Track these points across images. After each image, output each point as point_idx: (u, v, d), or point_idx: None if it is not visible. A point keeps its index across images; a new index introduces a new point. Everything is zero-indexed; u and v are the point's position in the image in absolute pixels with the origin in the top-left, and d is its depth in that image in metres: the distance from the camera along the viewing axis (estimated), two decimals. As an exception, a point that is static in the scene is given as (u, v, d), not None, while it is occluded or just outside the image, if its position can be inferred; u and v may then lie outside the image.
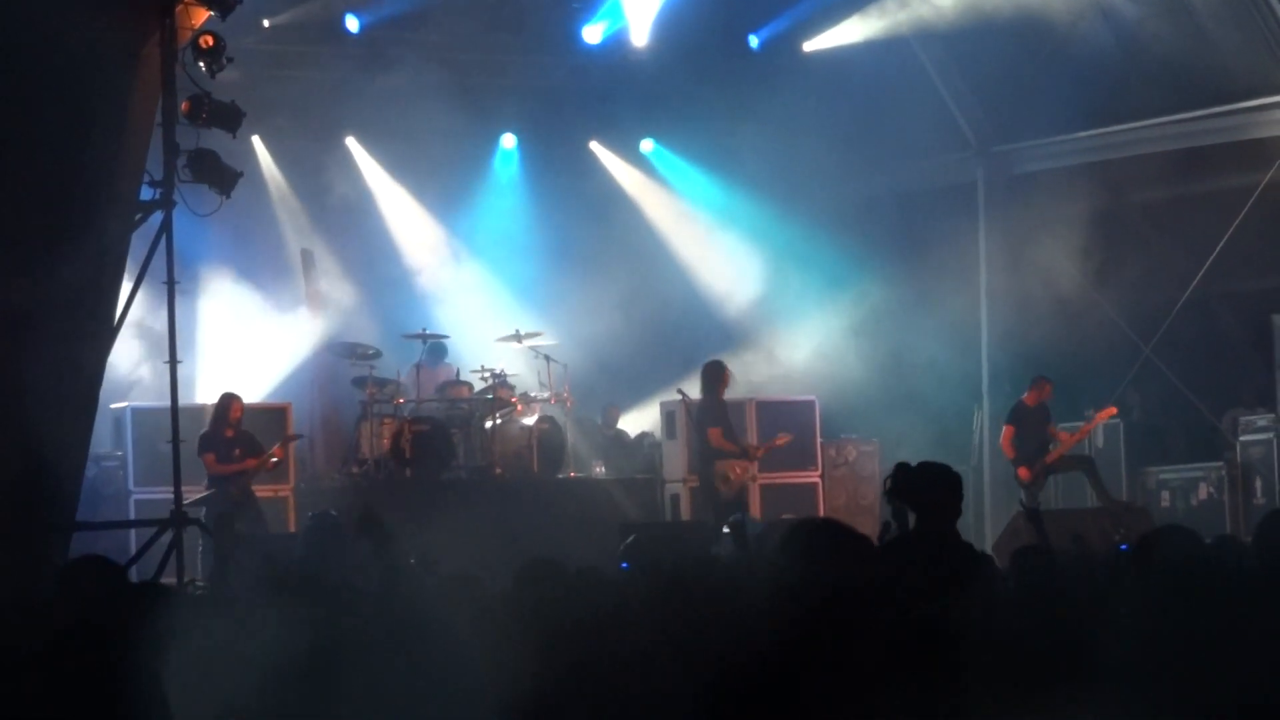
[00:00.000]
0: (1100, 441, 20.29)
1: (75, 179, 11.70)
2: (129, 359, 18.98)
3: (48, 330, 11.49)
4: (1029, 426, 18.60)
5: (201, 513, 16.04)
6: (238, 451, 17.22)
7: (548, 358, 20.19)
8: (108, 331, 12.58)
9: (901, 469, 7.48)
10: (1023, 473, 18.42)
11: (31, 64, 11.22)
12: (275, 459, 17.52)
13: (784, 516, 17.70)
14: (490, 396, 19.36)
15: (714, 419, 17.73)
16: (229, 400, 17.45)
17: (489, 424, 19.19)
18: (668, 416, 19.74)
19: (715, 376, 17.85)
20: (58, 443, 11.69)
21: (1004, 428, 18.81)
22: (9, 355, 11.41)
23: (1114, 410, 19.42)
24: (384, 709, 5.03)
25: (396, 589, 5.93)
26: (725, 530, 14.72)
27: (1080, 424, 19.32)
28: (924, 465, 7.52)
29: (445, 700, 4.55)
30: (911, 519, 7.46)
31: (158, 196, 13.08)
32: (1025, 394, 18.88)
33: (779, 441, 18.31)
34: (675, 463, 19.51)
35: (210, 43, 13.50)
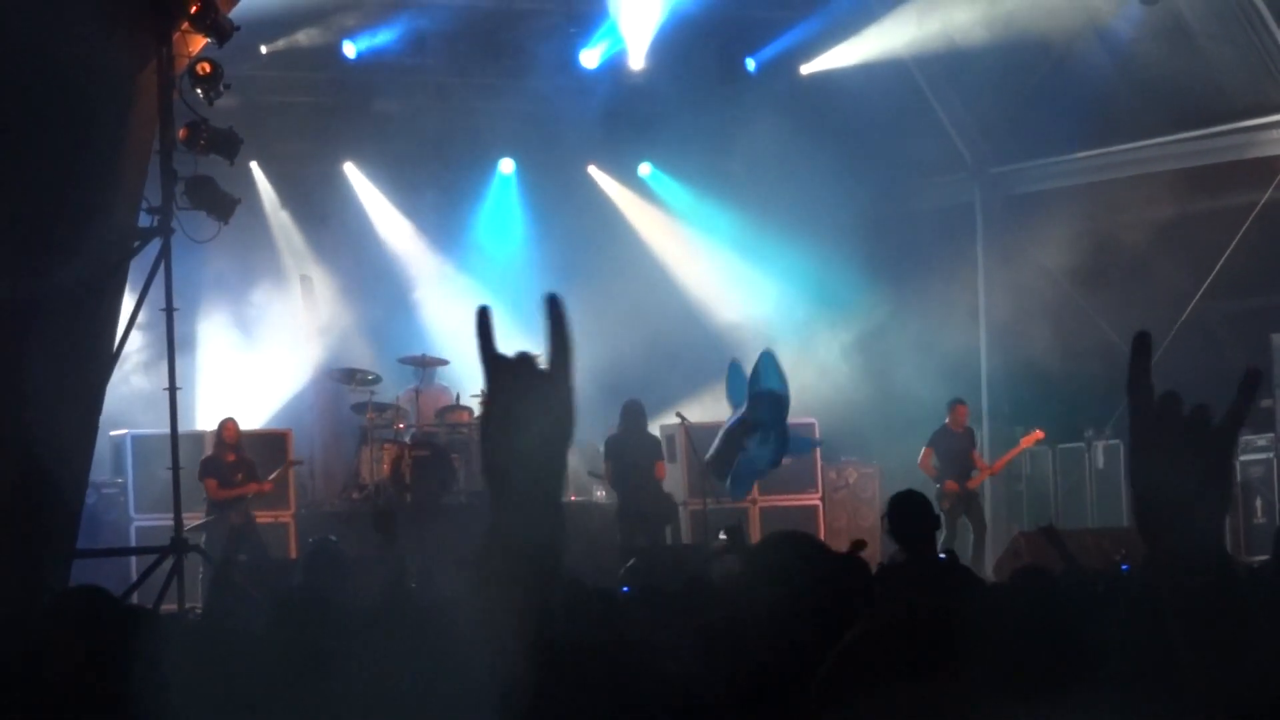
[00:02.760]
0: (1101, 462, 20.28)
1: (70, 204, 11.70)
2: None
3: (44, 354, 11.48)
4: (952, 450, 18.86)
5: (202, 539, 16.03)
6: (239, 476, 17.26)
7: (547, 381, 20.18)
8: (106, 357, 12.59)
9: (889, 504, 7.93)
10: (950, 486, 18.66)
11: (26, 90, 11.22)
12: (273, 478, 17.67)
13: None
14: (490, 421, 19.33)
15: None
16: (224, 424, 17.59)
17: (489, 448, 19.17)
18: (667, 440, 19.69)
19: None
20: (57, 468, 11.69)
21: (922, 450, 19.06)
22: (5, 373, 11.40)
23: (1040, 434, 19.56)
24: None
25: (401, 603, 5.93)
26: (721, 536, 14.46)
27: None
28: (893, 497, 7.98)
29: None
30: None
31: (156, 223, 13.09)
32: (946, 418, 19.13)
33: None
34: (676, 486, 19.46)
35: (208, 69, 13.55)
